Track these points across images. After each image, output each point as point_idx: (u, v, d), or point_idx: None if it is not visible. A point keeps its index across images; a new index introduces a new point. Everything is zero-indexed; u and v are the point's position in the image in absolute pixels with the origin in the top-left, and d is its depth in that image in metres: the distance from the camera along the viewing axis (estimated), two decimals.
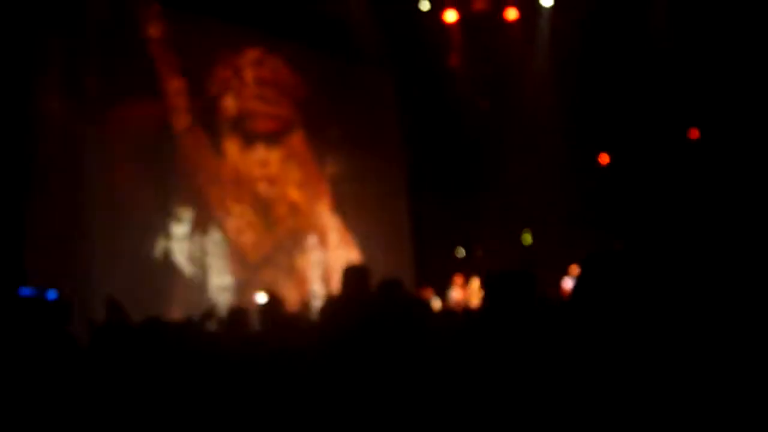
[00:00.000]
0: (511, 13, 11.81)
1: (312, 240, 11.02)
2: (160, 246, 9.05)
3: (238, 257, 9.96)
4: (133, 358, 3.30)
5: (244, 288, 9.62)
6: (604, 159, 13.27)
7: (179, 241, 9.26)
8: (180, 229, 9.27)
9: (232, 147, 10.22)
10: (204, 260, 9.48)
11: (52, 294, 4.00)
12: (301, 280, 10.71)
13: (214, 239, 9.69)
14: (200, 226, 9.53)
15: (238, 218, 10.08)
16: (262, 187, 10.50)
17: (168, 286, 9.05)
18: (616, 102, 11.82)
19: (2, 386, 2.82)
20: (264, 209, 10.45)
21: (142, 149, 8.95)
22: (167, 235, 9.15)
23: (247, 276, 9.95)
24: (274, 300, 5.05)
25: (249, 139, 10.42)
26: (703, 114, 11.62)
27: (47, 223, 7.78)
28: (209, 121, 9.94)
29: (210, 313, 5.64)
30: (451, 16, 11.70)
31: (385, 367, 2.62)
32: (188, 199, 9.51)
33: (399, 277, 5.19)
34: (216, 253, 9.67)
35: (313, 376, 2.74)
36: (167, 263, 9.10)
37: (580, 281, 2.30)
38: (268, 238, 10.41)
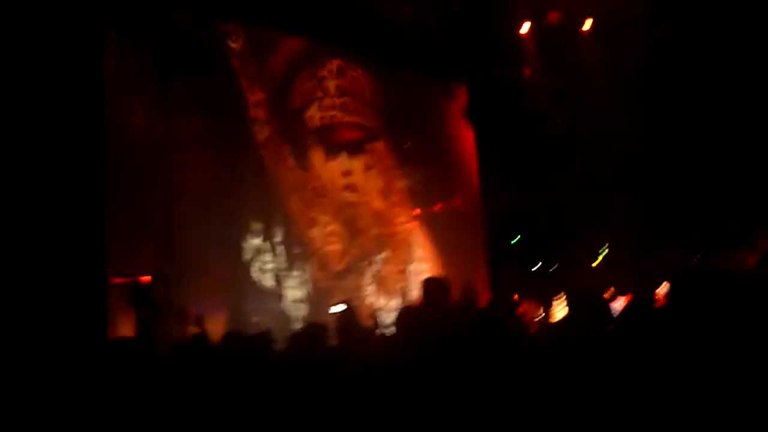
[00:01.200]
0: (587, 24, 11.67)
1: (394, 249, 11.06)
2: (239, 259, 9.15)
3: (321, 267, 10.05)
4: (213, 372, 3.33)
5: (326, 297, 9.66)
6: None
7: (258, 254, 9.32)
8: (257, 241, 9.32)
9: (316, 158, 10.36)
10: (282, 273, 9.53)
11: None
12: (384, 290, 10.72)
13: (295, 251, 9.75)
14: (280, 237, 9.61)
15: (322, 228, 10.18)
16: (346, 196, 10.61)
17: (246, 298, 9.12)
18: (694, 113, 11.57)
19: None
20: (349, 219, 10.55)
21: (221, 160, 9.06)
22: (246, 248, 9.23)
23: (330, 285, 10.03)
24: (350, 311, 5.03)
25: (332, 149, 10.56)
26: None
27: (126, 232, 7.92)
28: (292, 132, 10.11)
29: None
30: (525, 27, 11.63)
31: (475, 382, 2.56)
32: (267, 211, 9.59)
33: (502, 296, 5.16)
34: (296, 265, 9.71)
35: (398, 392, 2.70)
36: (246, 276, 9.18)
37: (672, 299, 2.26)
38: (353, 247, 10.50)
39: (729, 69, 11.00)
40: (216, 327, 7.99)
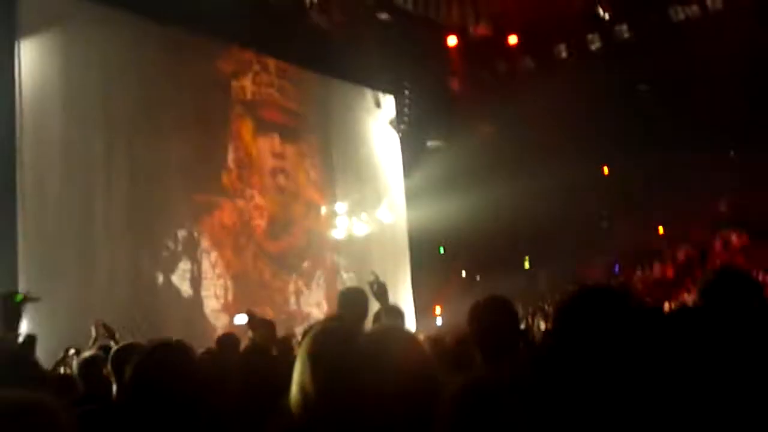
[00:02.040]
0: (512, 39, 11.83)
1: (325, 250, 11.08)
2: (156, 267, 8.92)
3: (249, 241, 10.01)
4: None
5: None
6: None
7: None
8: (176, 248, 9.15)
9: (244, 129, 10.14)
10: (198, 281, 9.35)
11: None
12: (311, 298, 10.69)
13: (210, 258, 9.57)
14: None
15: (248, 201, 10.09)
16: (279, 181, 10.51)
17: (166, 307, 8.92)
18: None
19: None
20: (280, 204, 10.49)
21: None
22: (163, 257, 9.01)
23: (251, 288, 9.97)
24: (254, 321, 4.92)
25: (263, 126, 10.37)
26: None
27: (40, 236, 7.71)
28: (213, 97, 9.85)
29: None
30: (452, 40, 11.72)
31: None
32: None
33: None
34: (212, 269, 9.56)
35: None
36: (165, 285, 8.97)
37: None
38: (286, 236, 10.52)
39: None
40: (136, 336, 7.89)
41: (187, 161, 9.13)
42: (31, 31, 7.79)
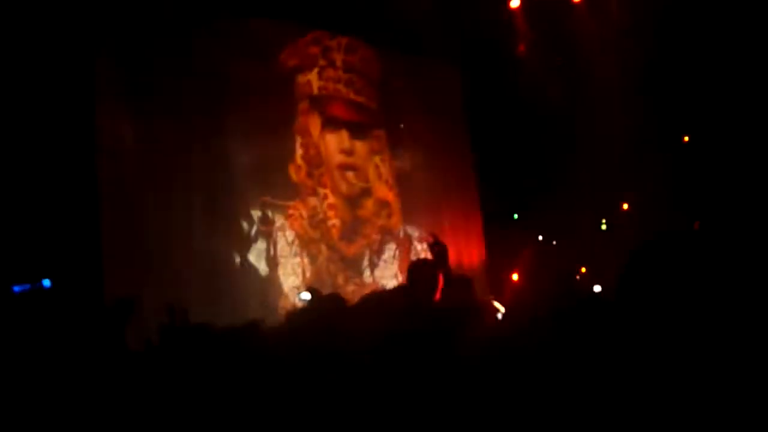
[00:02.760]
0: None
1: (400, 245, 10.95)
2: (235, 248, 9.10)
3: (324, 243, 9.98)
4: (181, 362, 3.34)
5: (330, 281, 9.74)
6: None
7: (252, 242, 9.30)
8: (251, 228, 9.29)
9: (312, 124, 10.06)
10: (275, 259, 9.50)
11: (46, 282, 3.97)
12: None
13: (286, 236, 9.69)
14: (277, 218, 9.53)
15: (321, 200, 10.03)
16: (348, 176, 10.41)
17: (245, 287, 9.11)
18: (694, 82, 11.47)
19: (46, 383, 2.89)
20: (350, 202, 10.41)
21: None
22: (241, 236, 9.19)
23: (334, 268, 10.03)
24: (317, 298, 5.02)
25: (331, 122, 10.25)
26: None
27: (123, 230, 7.97)
28: (277, 90, 9.76)
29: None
30: (514, 2, 11.53)
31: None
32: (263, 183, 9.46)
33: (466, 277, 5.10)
34: (293, 250, 9.69)
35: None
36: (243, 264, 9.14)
37: (627, 270, 2.17)
38: (358, 236, 10.40)
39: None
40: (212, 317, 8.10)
41: (255, 161, 9.26)
42: None
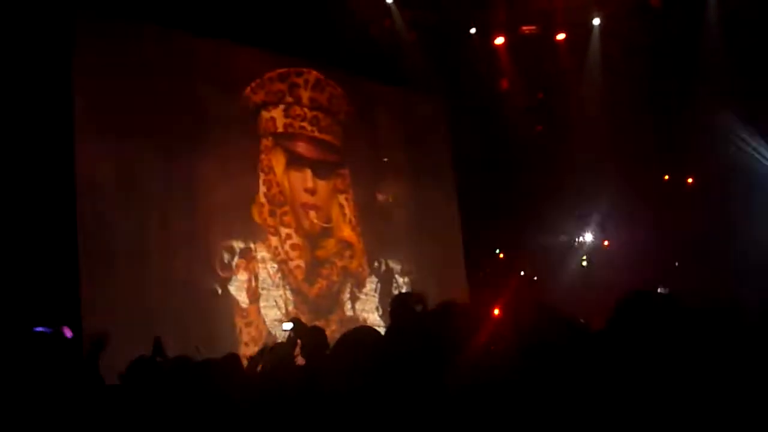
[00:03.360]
0: (560, 35, 11.73)
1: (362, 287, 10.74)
2: (215, 279, 9.03)
3: (290, 285, 9.81)
4: (158, 397, 3.30)
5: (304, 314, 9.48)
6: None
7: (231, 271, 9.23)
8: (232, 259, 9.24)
9: (275, 161, 9.92)
10: (258, 291, 9.44)
11: (67, 332, 4.00)
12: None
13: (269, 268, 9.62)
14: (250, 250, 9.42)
15: (284, 240, 9.85)
16: (311, 216, 10.21)
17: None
18: (674, 121, 11.61)
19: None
20: (312, 242, 10.18)
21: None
22: (223, 268, 9.12)
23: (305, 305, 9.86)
24: (300, 329, 5.01)
25: (295, 160, 10.11)
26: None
27: (100, 262, 7.91)
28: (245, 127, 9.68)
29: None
30: (499, 39, 11.67)
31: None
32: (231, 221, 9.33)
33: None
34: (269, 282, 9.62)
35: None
36: (225, 296, 9.07)
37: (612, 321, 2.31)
38: (320, 277, 10.17)
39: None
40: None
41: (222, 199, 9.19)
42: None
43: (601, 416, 2.06)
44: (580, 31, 11.63)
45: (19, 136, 7.21)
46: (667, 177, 13.01)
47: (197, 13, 8.89)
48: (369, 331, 3.30)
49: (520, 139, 12.11)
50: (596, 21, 11.56)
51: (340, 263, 10.41)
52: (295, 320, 5.31)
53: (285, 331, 5.29)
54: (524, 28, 11.53)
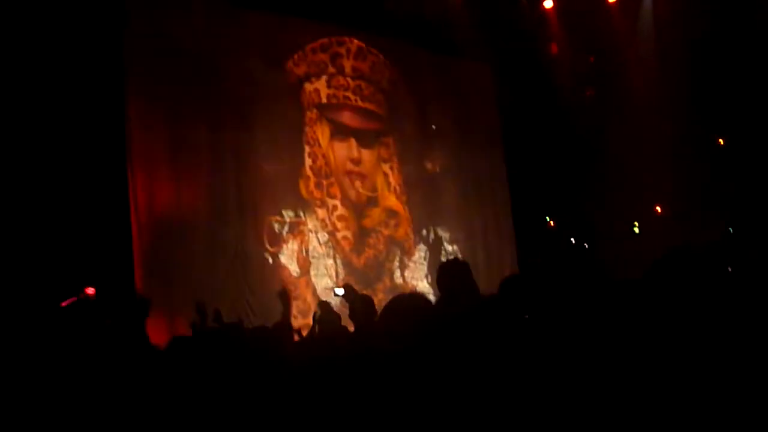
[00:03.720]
0: None
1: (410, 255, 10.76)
2: (265, 250, 9.12)
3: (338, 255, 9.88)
4: (207, 363, 3.33)
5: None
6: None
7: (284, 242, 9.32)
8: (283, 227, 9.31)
9: (320, 133, 9.92)
10: (308, 261, 9.51)
11: (90, 291, 4.06)
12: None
13: (318, 237, 9.68)
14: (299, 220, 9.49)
15: (331, 212, 9.88)
16: (357, 185, 10.21)
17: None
18: (728, 84, 11.31)
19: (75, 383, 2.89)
20: (358, 211, 10.21)
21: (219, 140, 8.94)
22: (272, 240, 9.21)
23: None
24: (352, 295, 5.03)
25: (340, 130, 10.11)
26: None
27: (155, 231, 8.03)
28: (286, 100, 9.65)
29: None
30: (548, 2, 11.47)
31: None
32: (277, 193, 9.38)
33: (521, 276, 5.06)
34: (320, 252, 9.68)
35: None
36: (275, 266, 9.16)
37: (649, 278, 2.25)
38: (366, 247, 10.19)
39: None
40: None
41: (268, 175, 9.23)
42: None
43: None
44: None
45: (74, 109, 7.34)
46: (721, 141, 12.72)
47: None
48: (416, 296, 3.30)
49: (571, 104, 11.91)
50: None
51: (386, 232, 10.42)
52: (347, 286, 5.35)
53: (337, 296, 5.35)
54: None
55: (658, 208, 12.83)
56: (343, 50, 10.35)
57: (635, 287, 2.38)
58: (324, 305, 6.53)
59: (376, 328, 4.45)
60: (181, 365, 3.47)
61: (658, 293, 2.21)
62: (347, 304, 5.12)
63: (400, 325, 3.05)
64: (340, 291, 5.23)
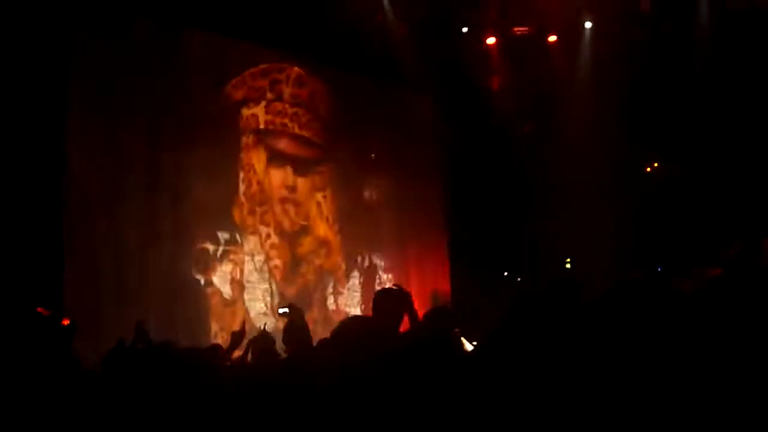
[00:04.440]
0: (552, 37, 11.75)
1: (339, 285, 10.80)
2: (198, 272, 9.01)
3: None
4: (136, 382, 3.27)
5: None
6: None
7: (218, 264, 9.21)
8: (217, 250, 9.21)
9: (255, 159, 9.89)
10: (242, 285, 9.42)
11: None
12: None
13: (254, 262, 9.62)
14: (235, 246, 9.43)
15: (263, 240, 9.85)
16: (290, 213, 10.23)
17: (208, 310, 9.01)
18: (662, 117, 11.65)
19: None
20: (289, 239, 10.20)
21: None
22: (206, 263, 9.10)
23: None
24: (295, 311, 5.00)
25: (276, 158, 10.09)
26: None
27: (85, 248, 7.88)
28: (223, 124, 9.58)
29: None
30: (491, 39, 11.67)
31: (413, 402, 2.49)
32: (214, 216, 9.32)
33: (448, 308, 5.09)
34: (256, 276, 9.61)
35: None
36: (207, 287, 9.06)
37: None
38: (297, 276, 10.21)
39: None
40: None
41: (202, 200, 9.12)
42: None
43: None
44: (571, 34, 11.60)
45: (12, 125, 7.23)
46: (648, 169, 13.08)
47: (187, 5, 8.89)
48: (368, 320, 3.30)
49: (509, 139, 12.10)
50: (588, 24, 11.55)
51: (316, 261, 10.43)
52: (291, 305, 5.30)
53: (281, 315, 5.35)
54: (516, 29, 11.50)
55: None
56: (282, 76, 10.37)
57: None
58: (260, 330, 6.49)
59: (311, 355, 4.42)
60: (115, 382, 3.42)
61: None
62: (282, 328, 5.08)
63: (351, 346, 3.02)
64: (284, 310, 5.19)
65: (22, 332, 3.21)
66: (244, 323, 6.64)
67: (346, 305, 10.51)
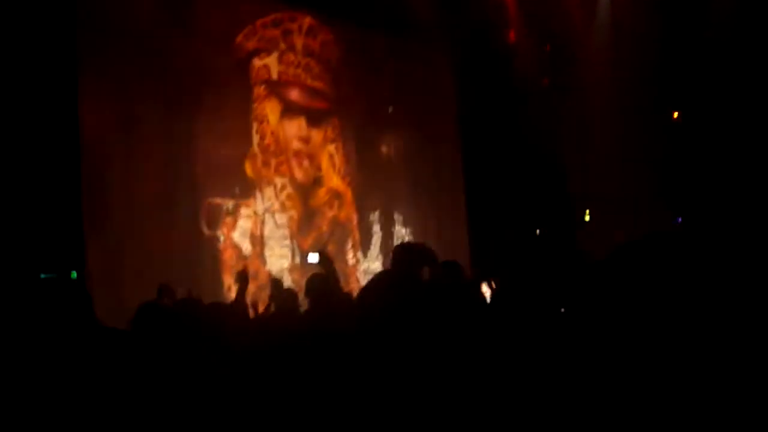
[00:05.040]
0: None
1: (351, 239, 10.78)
2: (216, 229, 9.04)
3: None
4: (165, 340, 3.28)
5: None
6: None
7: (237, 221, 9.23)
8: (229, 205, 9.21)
9: (270, 111, 9.78)
10: (261, 241, 9.43)
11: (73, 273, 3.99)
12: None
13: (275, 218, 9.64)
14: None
15: (278, 191, 9.82)
16: (305, 165, 10.16)
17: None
18: (683, 69, 11.48)
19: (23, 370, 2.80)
20: (303, 191, 10.19)
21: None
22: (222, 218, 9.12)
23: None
24: (325, 261, 4.95)
25: (290, 108, 10.01)
26: None
27: (104, 213, 7.92)
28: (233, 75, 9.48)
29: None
30: None
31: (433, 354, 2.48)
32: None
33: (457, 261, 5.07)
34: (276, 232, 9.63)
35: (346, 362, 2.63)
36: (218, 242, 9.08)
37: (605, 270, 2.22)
38: (311, 228, 10.22)
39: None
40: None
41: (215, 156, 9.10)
42: None
43: None
44: None
45: (25, 89, 7.21)
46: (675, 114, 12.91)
47: None
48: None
49: (527, 91, 11.96)
50: None
51: (330, 213, 10.41)
52: (322, 252, 5.25)
53: (310, 263, 5.31)
54: None
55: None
56: (295, 26, 10.24)
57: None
58: (277, 283, 6.55)
59: (337, 307, 4.43)
60: (145, 339, 3.43)
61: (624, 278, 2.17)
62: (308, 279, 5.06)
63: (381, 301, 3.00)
64: (315, 257, 5.10)
65: (44, 295, 3.20)
66: (245, 267, 6.66)
67: (364, 259, 10.53)
